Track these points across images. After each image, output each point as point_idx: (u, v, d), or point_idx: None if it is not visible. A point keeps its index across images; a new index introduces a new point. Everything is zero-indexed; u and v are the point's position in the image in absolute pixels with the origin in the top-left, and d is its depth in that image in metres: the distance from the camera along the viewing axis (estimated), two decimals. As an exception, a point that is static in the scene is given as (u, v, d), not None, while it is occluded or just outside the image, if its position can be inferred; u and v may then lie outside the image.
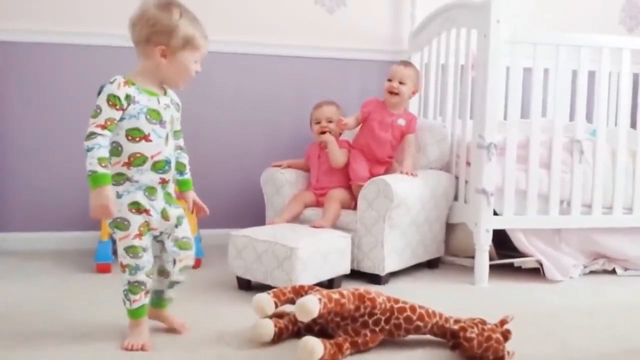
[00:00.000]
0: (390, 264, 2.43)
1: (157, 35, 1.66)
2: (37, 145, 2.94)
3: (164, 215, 1.72)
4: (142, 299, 1.69)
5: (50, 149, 2.95)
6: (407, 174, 2.56)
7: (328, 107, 2.79)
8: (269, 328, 1.71)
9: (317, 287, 1.83)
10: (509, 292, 2.37)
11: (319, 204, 2.64)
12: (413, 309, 1.70)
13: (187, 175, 1.86)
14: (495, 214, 2.50)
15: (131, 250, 1.66)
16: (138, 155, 1.65)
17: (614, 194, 2.67)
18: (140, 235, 1.66)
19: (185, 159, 1.84)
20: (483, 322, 1.69)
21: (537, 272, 2.58)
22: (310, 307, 1.56)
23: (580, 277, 2.61)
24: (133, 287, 1.67)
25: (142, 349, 1.66)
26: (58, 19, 2.91)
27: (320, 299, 1.58)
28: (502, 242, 2.66)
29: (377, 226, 2.40)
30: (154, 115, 1.67)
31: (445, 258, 2.80)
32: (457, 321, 1.71)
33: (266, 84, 3.17)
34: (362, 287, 1.72)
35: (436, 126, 2.81)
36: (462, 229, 2.68)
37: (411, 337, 1.74)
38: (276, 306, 1.74)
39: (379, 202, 2.39)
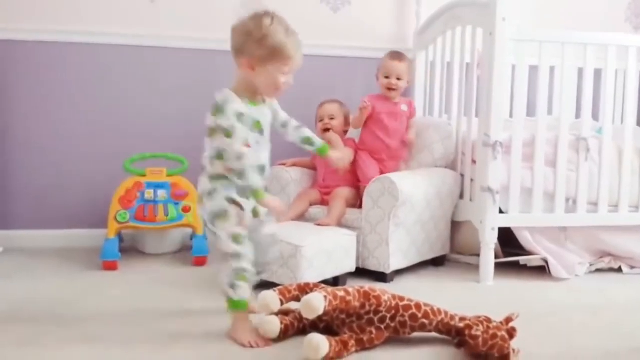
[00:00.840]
0: (396, 262, 2.43)
1: (245, 46, 1.70)
2: (43, 143, 2.95)
3: (255, 213, 1.80)
4: (248, 289, 1.72)
5: (56, 146, 2.96)
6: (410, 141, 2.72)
7: (330, 105, 2.80)
8: (274, 325, 1.72)
9: (323, 285, 1.84)
10: (515, 290, 2.37)
11: (324, 202, 2.64)
12: (418, 306, 1.71)
13: (319, 142, 1.96)
14: (500, 212, 2.49)
15: (234, 237, 1.72)
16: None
17: (620, 192, 2.67)
18: (239, 224, 1.74)
19: (308, 131, 1.96)
20: (488, 320, 1.69)
21: (542, 270, 2.57)
22: (316, 304, 1.56)
23: (586, 275, 2.61)
24: (239, 275, 1.71)
25: (266, 345, 1.68)
26: (61, 18, 2.93)
27: (325, 297, 1.58)
28: (508, 240, 2.66)
29: (383, 224, 2.40)
30: (257, 125, 1.75)
31: (450, 256, 2.80)
32: (462, 319, 1.71)
33: (271, 83, 3.17)
34: (368, 285, 1.73)
35: (442, 124, 2.81)
36: (467, 227, 2.68)
37: (416, 334, 1.74)
38: (282, 303, 1.74)
39: (384, 200, 2.39)
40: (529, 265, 2.62)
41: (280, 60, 1.71)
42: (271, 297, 1.73)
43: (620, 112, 3.21)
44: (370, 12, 3.26)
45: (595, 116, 2.93)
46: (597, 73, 2.67)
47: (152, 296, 2.16)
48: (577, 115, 2.95)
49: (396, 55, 2.73)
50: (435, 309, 1.72)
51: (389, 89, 2.70)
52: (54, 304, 2.05)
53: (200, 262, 2.63)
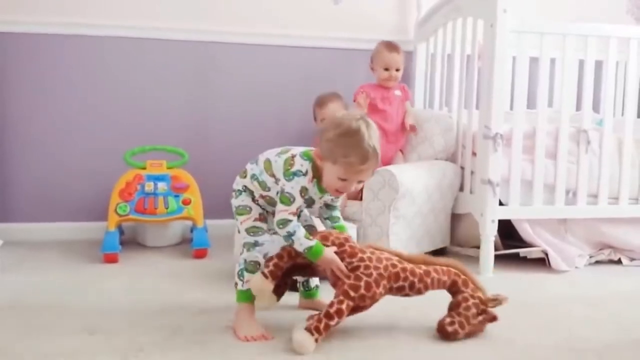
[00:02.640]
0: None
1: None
2: (43, 136, 2.95)
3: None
4: None
5: (56, 139, 2.96)
6: (409, 127, 2.73)
7: (332, 104, 2.77)
8: (272, 300, 1.72)
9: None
10: (515, 282, 2.37)
11: (324, 195, 2.64)
12: (413, 272, 1.72)
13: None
14: (501, 204, 2.50)
15: (252, 229, 1.77)
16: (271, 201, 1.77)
17: (620, 184, 2.67)
18: (261, 219, 1.79)
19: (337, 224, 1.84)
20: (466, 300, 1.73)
21: (542, 262, 2.58)
22: (308, 346, 1.57)
23: (585, 267, 2.61)
24: (249, 265, 1.74)
25: (265, 338, 1.68)
26: (60, 10, 2.92)
27: (316, 340, 1.58)
28: (508, 233, 2.66)
29: (383, 217, 2.40)
30: (309, 202, 1.74)
31: (450, 248, 2.80)
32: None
33: (272, 75, 3.16)
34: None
35: (442, 116, 2.80)
36: (467, 220, 2.69)
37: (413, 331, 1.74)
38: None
39: (384, 192, 2.39)
40: (529, 257, 2.62)
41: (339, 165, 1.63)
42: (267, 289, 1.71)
43: (620, 104, 3.21)
44: (371, 4, 3.26)
45: (595, 108, 2.92)
46: (598, 65, 2.66)
47: (153, 289, 2.16)
48: (578, 107, 2.95)
49: (393, 47, 2.76)
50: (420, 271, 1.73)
51: (388, 79, 2.73)
52: (55, 296, 2.05)
53: (200, 254, 2.63)
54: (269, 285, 1.67)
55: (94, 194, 2.96)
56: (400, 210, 2.42)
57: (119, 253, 2.55)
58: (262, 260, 1.74)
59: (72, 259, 2.57)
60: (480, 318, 1.72)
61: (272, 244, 1.77)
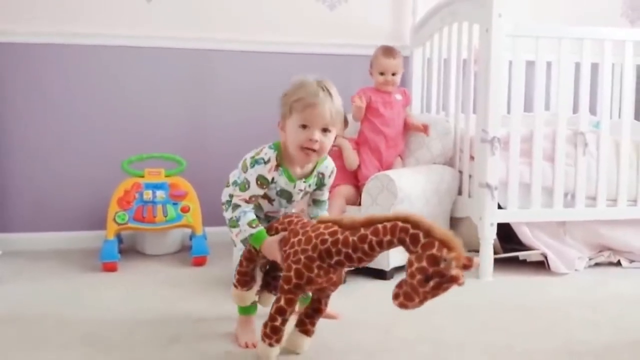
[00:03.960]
0: (395, 259, 2.43)
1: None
2: (40, 145, 2.95)
3: None
4: (255, 294, 1.75)
5: (53, 148, 2.96)
6: (422, 126, 2.70)
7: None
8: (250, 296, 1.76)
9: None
10: (514, 285, 2.37)
11: (323, 201, 2.64)
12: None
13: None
14: (499, 207, 2.50)
15: (243, 241, 1.72)
16: (256, 203, 1.73)
17: (618, 186, 2.67)
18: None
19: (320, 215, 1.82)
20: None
21: (542, 265, 2.58)
22: (265, 355, 1.59)
23: (585, 270, 2.61)
24: None
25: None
26: (56, 20, 2.92)
27: (270, 344, 1.57)
28: (507, 236, 2.66)
29: (382, 222, 2.40)
30: (285, 194, 1.73)
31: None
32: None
33: (269, 81, 3.16)
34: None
35: (439, 121, 2.81)
36: (466, 223, 2.68)
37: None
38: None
39: (382, 197, 2.39)
40: (528, 260, 2.62)
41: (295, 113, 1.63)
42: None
43: (617, 106, 3.21)
44: (367, 10, 3.26)
45: (592, 110, 2.93)
46: (594, 67, 2.67)
47: (152, 297, 2.15)
48: (575, 110, 2.95)
49: (389, 52, 2.74)
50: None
51: (384, 84, 2.73)
52: (54, 306, 2.04)
53: (199, 262, 2.63)
54: (241, 292, 1.73)
55: (92, 203, 2.96)
56: (399, 215, 2.42)
57: (118, 262, 2.54)
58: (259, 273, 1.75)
59: (70, 268, 2.56)
60: (432, 283, 1.32)
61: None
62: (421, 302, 1.35)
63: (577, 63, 2.75)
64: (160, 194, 2.68)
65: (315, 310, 1.65)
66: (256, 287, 1.76)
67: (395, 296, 1.37)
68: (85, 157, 2.99)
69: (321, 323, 1.69)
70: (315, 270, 1.51)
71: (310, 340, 1.65)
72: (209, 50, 3.08)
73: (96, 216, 2.90)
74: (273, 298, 1.66)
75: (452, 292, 2.22)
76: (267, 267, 1.79)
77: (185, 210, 2.69)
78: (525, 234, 2.61)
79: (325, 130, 1.63)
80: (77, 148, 2.99)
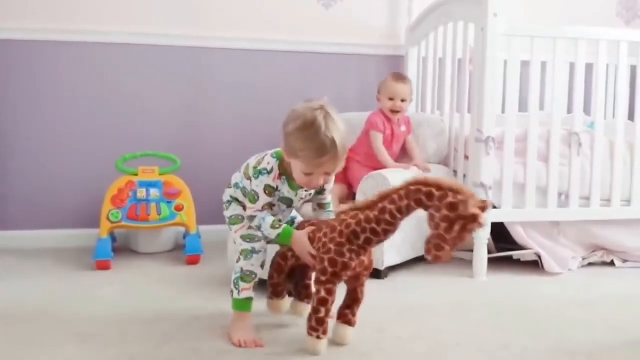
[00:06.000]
0: (390, 259, 2.43)
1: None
2: (35, 143, 2.94)
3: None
4: (251, 290, 1.74)
5: (48, 147, 2.95)
6: (423, 168, 2.62)
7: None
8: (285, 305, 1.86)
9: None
10: (508, 285, 2.38)
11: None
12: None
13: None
14: (493, 207, 2.50)
15: (247, 236, 1.75)
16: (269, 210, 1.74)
17: (612, 186, 2.68)
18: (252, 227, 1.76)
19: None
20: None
21: (535, 265, 2.58)
22: (314, 348, 1.61)
23: (578, 270, 2.62)
24: (245, 275, 1.73)
25: (257, 345, 1.67)
26: (56, 17, 2.91)
27: (318, 337, 1.61)
28: (501, 236, 2.66)
29: (376, 221, 2.40)
30: (286, 201, 1.74)
31: (444, 252, 2.80)
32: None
33: (264, 80, 3.16)
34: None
35: (434, 120, 2.81)
36: (460, 223, 2.68)
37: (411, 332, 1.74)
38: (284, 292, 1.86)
39: (377, 196, 2.39)
40: (522, 260, 2.62)
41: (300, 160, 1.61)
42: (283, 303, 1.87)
43: (611, 106, 3.22)
44: (362, 9, 3.26)
45: (587, 111, 2.94)
46: (589, 68, 2.67)
47: (146, 295, 2.15)
48: (569, 110, 2.96)
49: (400, 78, 2.70)
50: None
51: (393, 111, 2.67)
52: (47, 304, 2.03)
53: (193, 260, 2.62)
54: (277, 302, 1.84)
55: (85, 201, 2.95)
56: (394, 215, 2.41)
57: (112, 260, 2.53)
58: (258, 271, 1.74)
59: (64, 267, 2.55)
60: (457, 227, 1.41)
61: (265, 253, 1.78)
62: (451, 248, 1.43)
63: (571, 63, 2.76)
64: (154, 192, 2.67)
65: (354, 301, 1.69)
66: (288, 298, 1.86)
67: (428, 251, 1.45)
68: (79, 154, 2.98)
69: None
70: (347, 255, 1.56)
71: (353, 331, 1.68)
72: (204, 48, 3.07)
73: (90, 214, 2.89)
74: (309, 307, 1.70)
75: (446, 292, 2.23)
76: (296, 275, 1.84)
77: (179, 208, 2.69)
78: (519, 234, 2.61)
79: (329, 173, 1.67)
80: (70, 146, 2.98)
